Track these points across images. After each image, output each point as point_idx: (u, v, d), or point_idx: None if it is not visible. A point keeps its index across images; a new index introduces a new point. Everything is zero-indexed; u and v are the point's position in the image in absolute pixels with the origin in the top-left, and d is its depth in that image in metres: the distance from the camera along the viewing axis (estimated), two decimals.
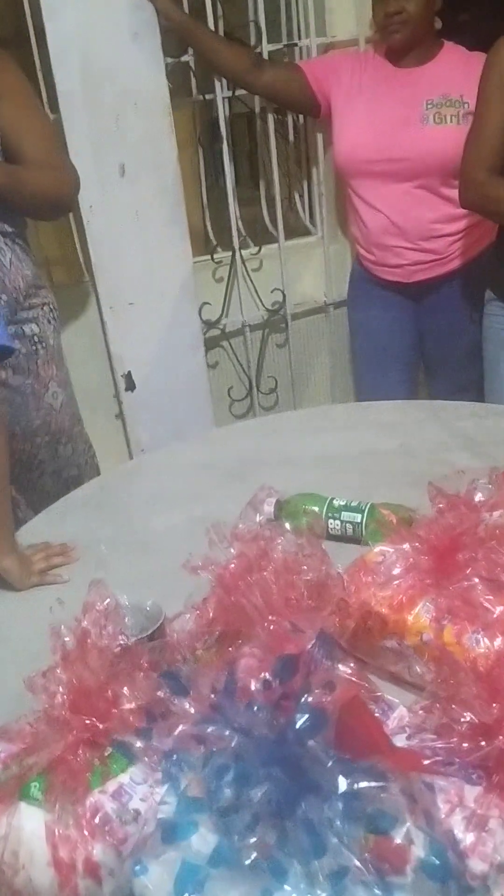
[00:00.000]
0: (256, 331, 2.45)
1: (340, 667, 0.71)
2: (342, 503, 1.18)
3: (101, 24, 1.88)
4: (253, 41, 2.22)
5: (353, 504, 1.18)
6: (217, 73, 2.13)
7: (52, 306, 1.81)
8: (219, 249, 2.34)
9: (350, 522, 1.16)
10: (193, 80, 2.22)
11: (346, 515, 1.17)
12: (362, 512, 1.16)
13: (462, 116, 1.92)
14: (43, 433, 1.78)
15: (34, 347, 1.76)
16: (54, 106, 1.91)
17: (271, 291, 2.41)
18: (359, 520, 1.16)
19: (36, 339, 1.76)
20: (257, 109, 2.32)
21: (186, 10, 2.11)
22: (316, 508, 1.18)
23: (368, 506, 1.16)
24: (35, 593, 1.16)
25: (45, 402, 1.79)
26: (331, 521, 1.17)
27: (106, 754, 0.70)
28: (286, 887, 0.55)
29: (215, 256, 2.33)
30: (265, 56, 2.18)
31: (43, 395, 1.78)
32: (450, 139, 1.91)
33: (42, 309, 1.78)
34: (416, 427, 1.51)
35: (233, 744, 0.52)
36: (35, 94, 1.75)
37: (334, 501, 1.19)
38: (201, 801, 0.53)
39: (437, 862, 0.54)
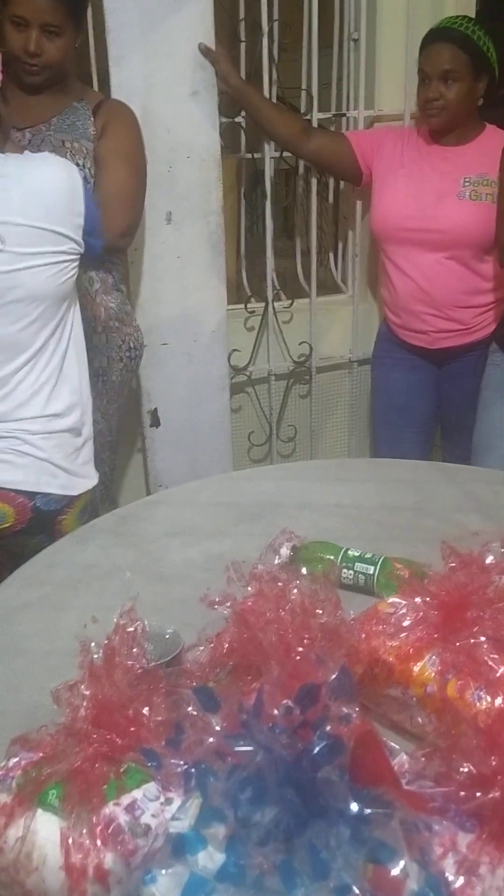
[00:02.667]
0: (281, 380, 2.53)
1: (344, 709, 0.75)
2: (356, 554, 1.23)
3: (164, 79, 1.99)
4: (304, 108, 2.34)
5: (367, 556, 1.22)
6: (267, 137, 2.24)
7: (130, 345, 1.91)
8: (252, 300, 2.43)
9: (363, 574, 1.20)
10: (244, 139, 2.33)
11: (359, 566, 1.21)
12: (375, 564, 1.20)
13: (497, 196, 2.01)
14: None
15: (95, 379, 1.84)
16: None
17: (299, 344, 2.49)
18: (371, 572, 1.20)
19: (100, 371, 1.86)
20: (301, 170, 2.42)
21: (244, 73, 2.23)
22: (331, 557, 1.23)
23: (382, 559, 1.21)
24: (58, 611, 1.20)
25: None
26: (344, 570, 1.21)
27: (122, 769, 0.74)
28: None
29: (248, 306, 2.41)
30: (314, 123, 2.29)
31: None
32: (483, 215, 2.01)
33: (119, 348, 1.88)
34: (431, 487, 1.56)
35: (257, 759, 0.56)
36: (136, 146, 1.86)
37: (349, 552, 1.23)
38: (221, 810, 0.57)
39: (432, 895, 0.57)
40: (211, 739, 0.60)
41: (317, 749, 0.56)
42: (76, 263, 1.45)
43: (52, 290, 1.42)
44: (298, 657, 0.70)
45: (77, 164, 1.73)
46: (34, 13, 1.63)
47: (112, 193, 1.76)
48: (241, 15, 2.25)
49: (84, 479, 1.54)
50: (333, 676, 0.61)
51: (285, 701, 0.60)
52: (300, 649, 0.72)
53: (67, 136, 1.75)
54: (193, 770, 0.61)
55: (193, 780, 0.61)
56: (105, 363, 1.90)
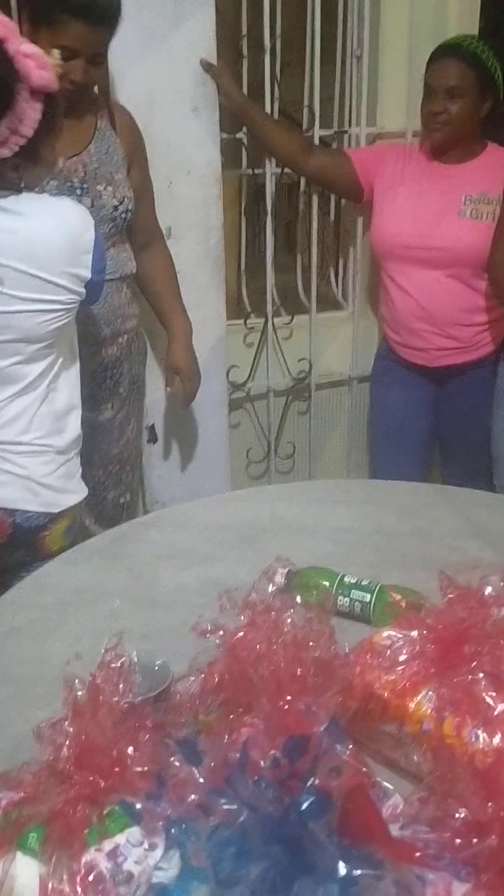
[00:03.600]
0: (280, 397, 2.51)
1: (338, 747, 0.73)
2: (353, 581, 1.20)
3: (165, 95, 1.97)
4: (305, 125, 2.33)
5: (364, 583, 1.19)
6: (268, 154, 2.23)
7: (145, 347, 2.03)
8: (252, 316, 2.41)
9: (359, 601, 1.18)
10: (245, 156, 2.32)
11: (355, 594, 1.18)
12: (372, 592, 1.18)
13: (497, 215, 1.99)
14: (116, 461, 1.91)
15: (133, 387, 1.94)
16: None
17: (298, 360, 2.47)
18: (368, 599, 1.17)
19: (136, 378, 1.96)
20: (302, 186, 2.41)
21: (245, 90, 2.22)
22: (326, 584, 1.20)
23: (378, 587, 1.18)
24: (46, 637, 1.18)
25: (126, 434, 1.95)
26: (340, 597, 1.19)
27: (105, 812, 0.71)
28: None
29: (248, 322, 2.39)
30: (316, 140, 2.28)
31: (126, 427, 1.94)
32: (484, 234, 2.00)
33: (141, 352, 1.99)
34: (430, 511, 1.53)
35: (241, 819, 0.53)
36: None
37: (345, 578, 1.21)
38: (202, 870, 0.55)
39: None
40: (193, 796, 0.57)
41: (304, 805, 0.54)
42: (73, 311, 1.45)
43: (44, 335, 1.41)
44: (286, 706, 0.67)
45: (127, 196, 1.77)
46: (85, 45, 1.58)
47: (153, 219, 1.95)
48: (244, 31, 2.25)
49: (69, 495, 1.52)
50: (323, 727, 0.58)
51: (272, 752, 0.57)
52: (288, 698, 0.69)
53: (112, 167, 1.77)
54: (173, 829, 0.58)
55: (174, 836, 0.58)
56: (138, 370, 1.98)
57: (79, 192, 1.70)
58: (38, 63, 1.26)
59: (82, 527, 1.63)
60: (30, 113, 1.27)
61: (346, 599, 1.19)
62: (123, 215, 1.77)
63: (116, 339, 1.86)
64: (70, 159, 1.71)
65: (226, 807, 0.54)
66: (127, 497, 2.02)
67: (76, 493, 1.54)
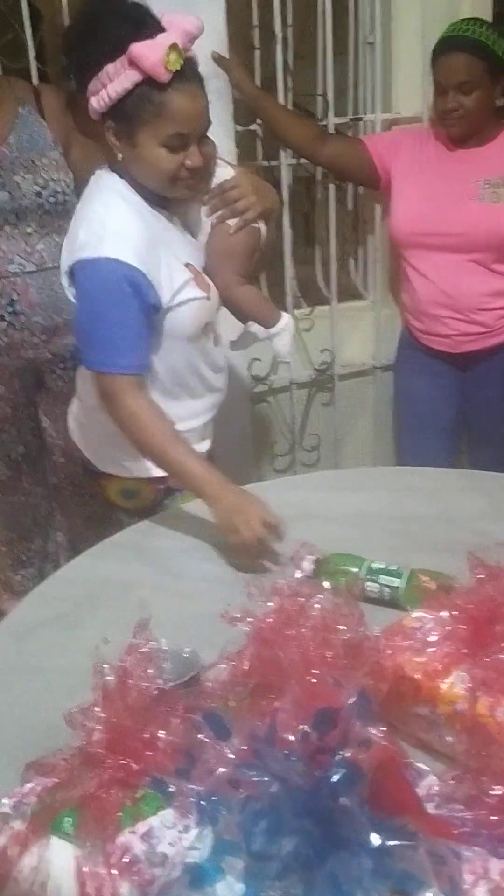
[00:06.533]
0: (303, 389, 2.50)
1: (371, 730, 0.72)
2: (381, 566, 1.19)
3: None
4: (320, 114, 2.31)
5: (392, 568, 1.19)
6: (283, 144, 2.22)
7: None
8: None
9: (388, 586, 1.17)
10: (260, 147, 2.31)
11: (383, 579, 1.18)
12: (400, 576, 1.17)
13: None
14: None
15: None
16: None
17: (321, 351, 2.46)
18: (396, 584, 1.16)
19: None
20: (319, 177, 2.40)
21: (259, 81, 2.21)
22: (354, 569, 1.20)
23: (409, 571, 1.17)
24: (75, 629, 1.18)
25: None
26: (368, 583, 1.18)
27: (137, 795, 0.71)
28: None
29: None
30: (331, 129, 2.26)
31: None
32: (503, 217, 1.97)
33: None
34: (459, 495, 1.52)
35: (271, 790, 0.53)
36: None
37: (373, 564, 1.20)
38: (235, 843, 0.55)
39: None
40: (222, 770, 0.57)
41: (335, 777, 0.53)
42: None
43: None
44: (315, 680, 0.67)
45: (52, 179, 1.74)
46: None
47: None
48: (255, 22, 2.24)
49: (110, 465, 1.59)
50: (352, 700, 0.58)
51: (301, 726, 0.57)
52: (316, 672, 0.69)
53: (34, 154, 1.74)
54: (203, 802, 0.58)
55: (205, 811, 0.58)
56: None
57: None
58: (151, 48, 1.28)
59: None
60: (121, 78, 1.31)
61: (375, 585, 1.18)
62: (52, 199, 1.73)
63: (70, 330, 1.75)
64: None
65: (255, 779, 0.54)
66: None
67: (112, 465, 1.59)
